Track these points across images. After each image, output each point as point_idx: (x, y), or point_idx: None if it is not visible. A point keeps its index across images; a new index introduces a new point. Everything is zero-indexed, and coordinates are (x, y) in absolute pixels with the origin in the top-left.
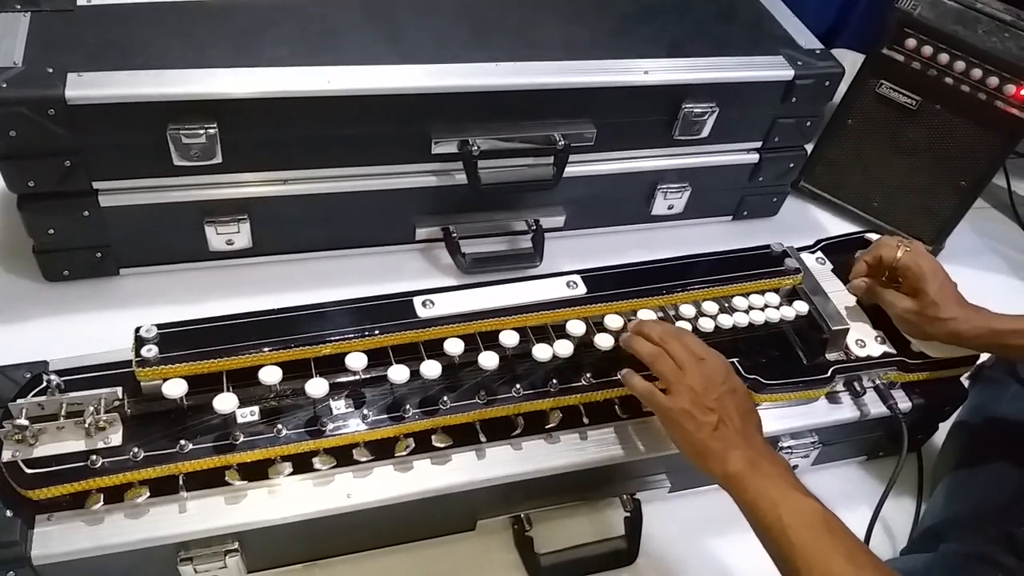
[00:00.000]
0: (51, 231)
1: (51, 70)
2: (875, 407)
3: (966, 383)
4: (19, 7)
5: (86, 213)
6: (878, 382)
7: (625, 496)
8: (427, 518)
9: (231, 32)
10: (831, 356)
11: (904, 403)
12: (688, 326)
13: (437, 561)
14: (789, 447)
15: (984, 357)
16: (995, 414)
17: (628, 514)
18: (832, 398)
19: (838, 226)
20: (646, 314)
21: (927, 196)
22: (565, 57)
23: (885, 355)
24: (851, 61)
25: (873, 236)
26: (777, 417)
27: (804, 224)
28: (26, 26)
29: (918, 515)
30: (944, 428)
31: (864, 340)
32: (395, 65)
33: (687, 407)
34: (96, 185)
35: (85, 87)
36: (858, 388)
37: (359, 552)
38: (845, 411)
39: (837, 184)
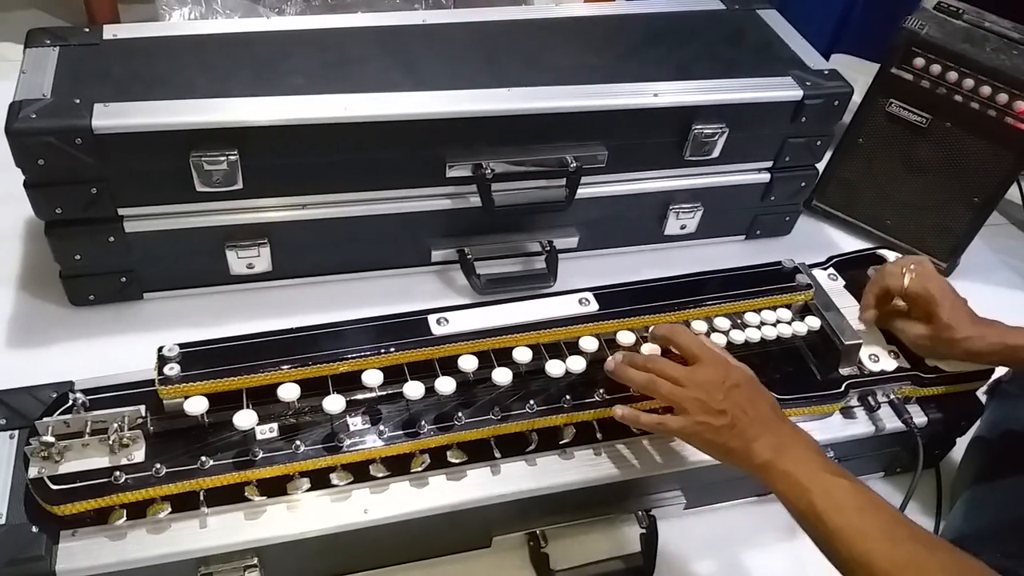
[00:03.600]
0: (77, 257)
1: (78, 101)
2: (890, 422)
3: (983, 397)
4: (48, 42)
5: (111, 239)
6: (892, 397)
7: (640, 512)
8: (443, 534)
9: (251, 62)
10: (844, 371)
11: (920, 418)
12: None
13: None
14: None
15: (1001, 371)
16: (1013, 428)
17: (644, 530)
18: (847, 413)
19: (851, 244)
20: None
21: (940, 213)
22: (576, 81)
23: (899, 369)
24: (862, 82)
25: (885, 252)
26: None
27: (817, 243)
28: (55, 60)
29: (937, 531)
30: (962, 443)
31: (877, 355)
32: (410, 92)
33: (700, 419)
34: (121, 211)
35: (111, 117)
36: (872, 403)
37: (376, 568)
38: (860, 426)
39: (850, 203)
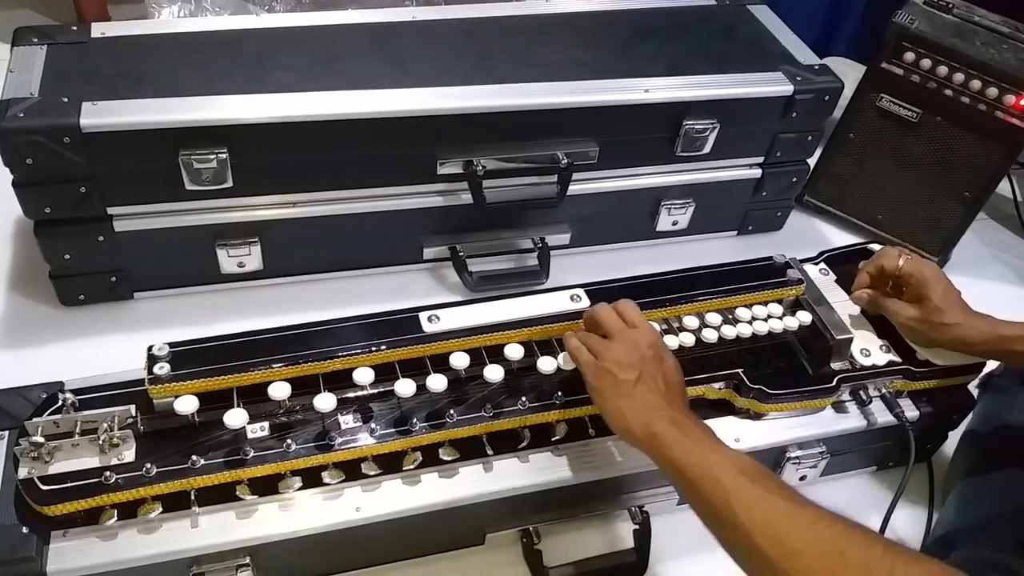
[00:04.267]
0: (67, 256)
1: (66, 99)
2: (882, 416)
3: (975, 392)
4: (36, 40)
5: (101, 238)
6: (884, 391)
7: (634, 508)
8: (436, 532)
9: (240, 60)
10: (836, 365)
11: (911, 411)
12: (692, 337)
13: (447, 575)
14: (797, 457)
15: (992, 365)
16: (1005, 422)
17: (637, 526)
18: (838, 407)
19: (843, 239)
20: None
21: (931, 208)
22: (567, 77)
23: (890, 363)
24: (852, 78)
25: (876, 247)
26: (783, 427)
27: (809, 238)
28: (42, 58)
29: (930, 525)
30: (954, 437)
31: (869, 349)
32: (400, 88)
33: (608, 366)
34: (110, 210)
35: (99, 115)
36: (864, 397)
37: (369, 567)
38: (852, 420)
39: (841, 198)
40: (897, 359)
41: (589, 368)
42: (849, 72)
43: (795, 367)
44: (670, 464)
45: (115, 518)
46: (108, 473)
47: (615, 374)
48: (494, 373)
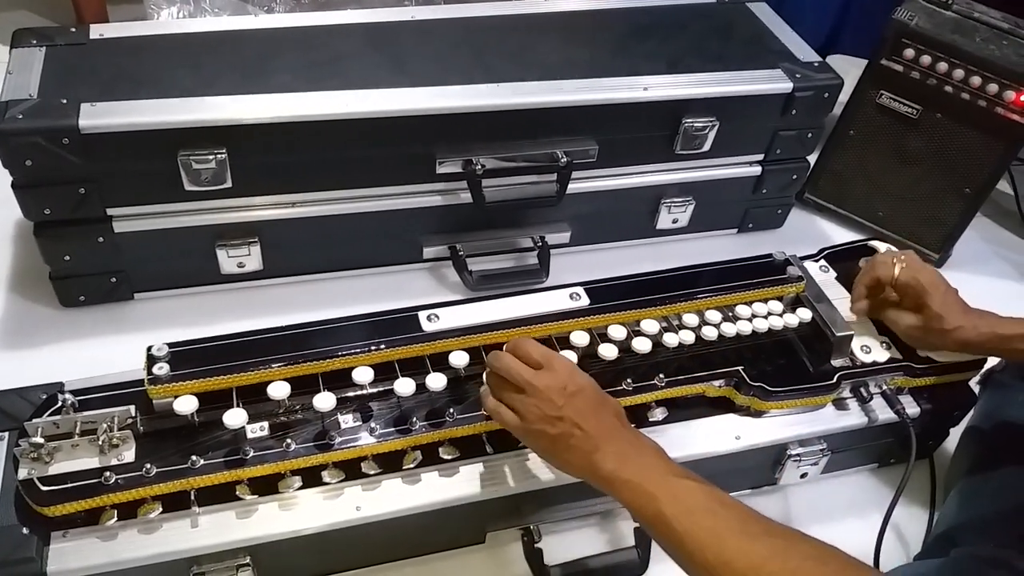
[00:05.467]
0: (67, 257)
1: (65, 101)
2: (883, 413)
3: (976, 388)
4: (35, 42)
5: (100, 239)
6: (885, 388)
7: None
8: (436, 531)
9: (239, 61)
10: (836, 362)
11: (912, 408)
12: (691, 335)
13: (448, 574)
14: (798, 454)
15: (993, 361)
16: (1007, 418)
17: (638, 525)
18: (839, 405)
19: (844, 237)
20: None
21: (932, 205)
22: (566, 76)
23: (891, 360)
24: (853, 75)
25: (876, 243)
26: (784, 424)
27: (810, 236)
28: (41, 60)
29: (932, 521)
30: (955, 434)
31: (869, 346)
32: (399, 88)
33: (536, 426)
34: (110, 212)
35: (98, 116)
36: (865, 394)
37: (370, 566)
38: (853, 417)
39: (842, 195)
40: (898, 356)
41: (519, 432)
42: (850, 69)
43: (796, 364)
44: (624, 504)
45: (115, 518)
46: (108, 473)
47: (546, 432)
48: None
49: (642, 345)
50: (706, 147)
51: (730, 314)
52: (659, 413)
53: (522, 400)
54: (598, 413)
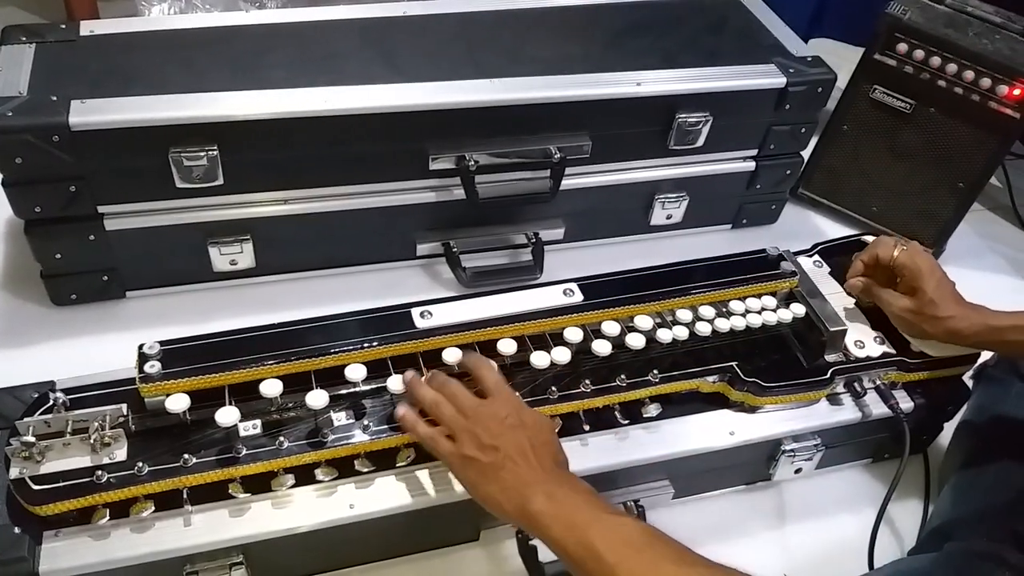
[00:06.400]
0: (58, 255)
1: (55, 98)
2: (877, 408)
3: (969, 383)
4: (24, 39)
5: (92, 237)
6: (879, 383)
7: (629, 502)
8: (430, 528)
9: (230, 57)
10: (830, 357)
11: (906, 403)
12: (685, 331)
13: (442, 572)
14: (792, 450)
15: (986, 356)
16: (1000, 413)
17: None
18: (833, 400)
19: (838, 232)
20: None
21: (926, 199)
22: (559, 71)
23: (884, 355)
24: (846, 70)
25: (870, 239)
26: (778, 420)
27: (804, 231)
28: (31, 57)
29: (926, 517)
30: (949, 428)
31: (863, 341)
32: (392, 84)
33: (467, 452)
34: (101, 209)
35: (88, 113)
36: (859, 389)
37: (364, 564)
38: (846, 412)
39: (836, 190)
40: (891, 351)
41: (452, 459)
42: (842, 63)
43: (789, 360)
44: (552, 543)
45: (107, 517)
46: (100, 472)
47: (477, 459)
48: None
49: (636, 341)
50: (700, 142)
51: (724, 309)
52: (653, 409)
53: (461, 424)
54: (537, 452)
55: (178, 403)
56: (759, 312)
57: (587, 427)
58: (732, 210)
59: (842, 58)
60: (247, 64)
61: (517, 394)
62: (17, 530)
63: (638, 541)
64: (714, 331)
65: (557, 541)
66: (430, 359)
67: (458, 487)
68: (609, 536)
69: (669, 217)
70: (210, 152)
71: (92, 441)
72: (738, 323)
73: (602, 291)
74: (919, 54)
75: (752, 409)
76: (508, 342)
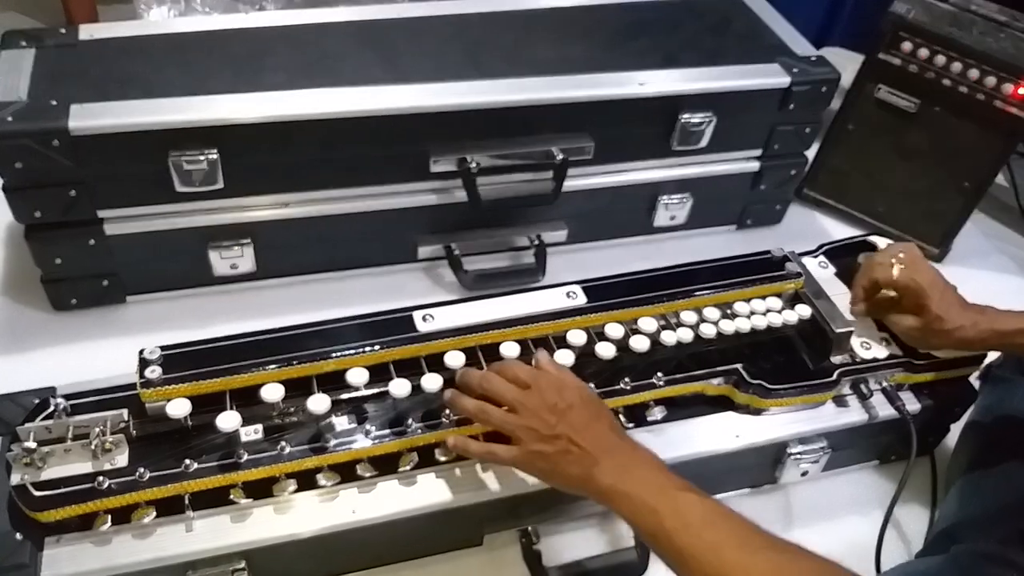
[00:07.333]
0: (58, 260)
1: (55, 102)
2: (883, 409)
3: (976, 383)
4: (24, 43)
5: (92, 242)
6: (885, 384)
7: None
8: (433, 533)
9: (229, 60)
10: (836, 359)
11: (912, 404)
12: (690, 333)
13: None
14: (798, 452)
15: (993, 356)
16: (1007, 413)
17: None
18: (839, 401)
19: (843, 232)
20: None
21: (931, 199)
22: (560, 72)
23: (891, 356)
24: (851, 69)
25: (876, 239)
26: (784, 422)
27: (809, 231)
28: (31, 61)
29: (933, 518)
30: (956, 429)
31: (869, 342)
32: (392, 86)
33: (533, 448)
34: (101, 214)
35: (88, 118)
36: (865, 391)
37: (367, 569)
38: (853, 414)
39: (841, 190)
40: (898, 352)
41: (519, 461)
42: (847, 64)
43: (795, 361)
44: (625, 520)
45: (109, 523)
46: (101, 478)
47: (544, 451)
48: None
49: (640, 344)
50: (703, 143)
51: (728, 311)
52: (658, 412)
53: (515, 422)
54: (592, 427)
55: (179, 408)
56: (764, 314)
57: None
58: (736, 211)
59: (848, 60)
60: (247, 67)
61: (550, 373)
62: (19, 536)
63: (700, 525)
64: (719, 333)
65: (628, 517)
66: (432, 363)
67: (460, 492)
68: (676, 519)
69: (673, 218)
70: (210, 155)
71: (93, 447)
72: (743, 325)
73: (605, 293)
74: (924, 53)
75: (758, 411)
76: (511, 345)
